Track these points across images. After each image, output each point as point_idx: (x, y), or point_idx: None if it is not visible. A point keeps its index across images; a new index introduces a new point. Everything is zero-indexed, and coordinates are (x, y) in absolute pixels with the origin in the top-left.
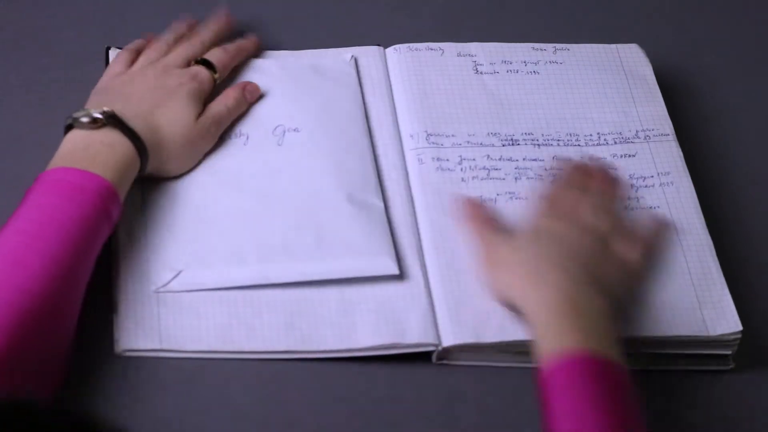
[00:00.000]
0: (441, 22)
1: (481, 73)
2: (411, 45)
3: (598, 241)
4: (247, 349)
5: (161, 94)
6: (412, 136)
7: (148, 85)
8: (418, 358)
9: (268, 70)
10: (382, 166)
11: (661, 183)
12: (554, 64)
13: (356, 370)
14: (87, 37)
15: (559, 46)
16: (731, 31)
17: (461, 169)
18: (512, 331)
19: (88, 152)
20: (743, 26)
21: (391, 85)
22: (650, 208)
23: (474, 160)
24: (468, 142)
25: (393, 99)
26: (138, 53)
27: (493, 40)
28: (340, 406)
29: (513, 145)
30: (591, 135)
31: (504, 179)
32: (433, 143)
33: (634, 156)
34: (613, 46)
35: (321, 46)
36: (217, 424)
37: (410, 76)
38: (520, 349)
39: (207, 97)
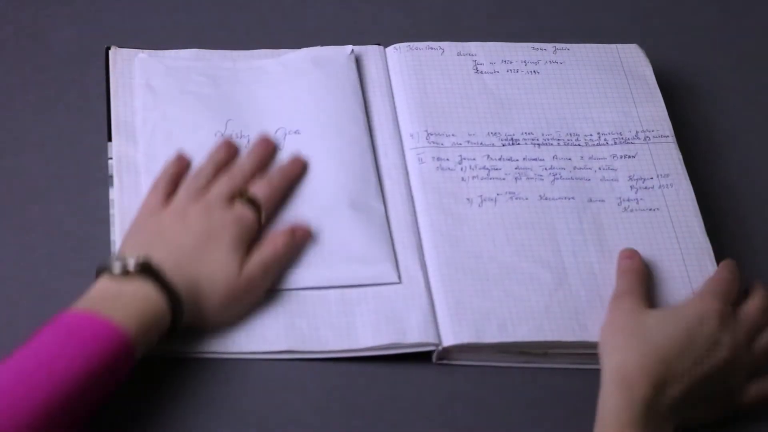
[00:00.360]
0: (441, 22)
1: (481, 72)
2: (411, 44)
3: (728, 371)
4: (247, 350)
5: (203, 239)
6: (412, 135)
7: (188, 228)
8: (418, 358)
9: (268, 69)
10: (383, 166)
11: (661, 185)
12: (554, 64)
13: (356, 370)
14: (87, 37)
15: (559, 46)
16: (731, 31)
17: (461, 169)
18: (512, 331)
19: (117, 302)
20: (743, 26)
21: (391, 85)
22: (650, 210)
23: (474, 159)
24: (468, 141)
25: (393, 98)
26: (173, 182)
27: (493, 40)
28: (340, 406)
29: (513, 144)
30: (591, 135)
31: (504, 179)
32: (433, 143)
33: (634, 157)
34: (613, 46)
35: (321, 44)
36: (217, 424)
37: (410, 75)
38: (520, 349)
39: (252, 239)
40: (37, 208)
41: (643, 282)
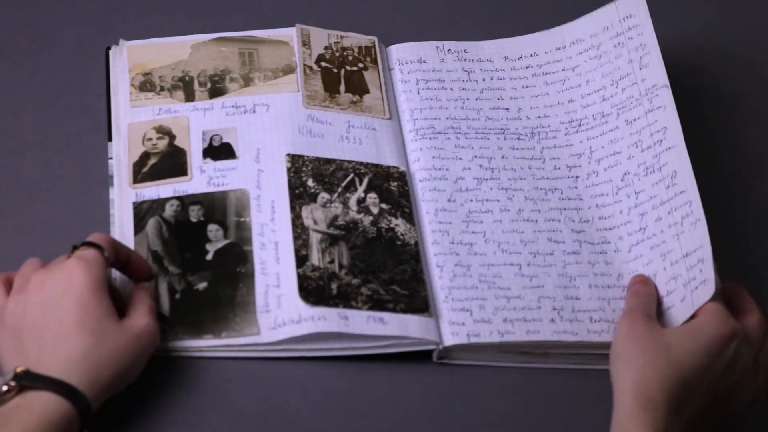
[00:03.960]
0: (442, 20)
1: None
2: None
3: (736, 391)
4: (247, 348)
5: (49, 305)
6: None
7: (33, 305)
8: (419, 357)
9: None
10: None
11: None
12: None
13: (356, 370)
14: (87, 37)
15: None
16: (732, 31)
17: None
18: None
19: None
20: (743, 26)
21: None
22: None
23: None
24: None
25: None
26: (9, 282)
27: (493, 37)
28: (340, 405)
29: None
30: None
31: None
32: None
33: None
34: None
35: None
36: (217, 424)
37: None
38: (520, 349)
39: (104, 275)
40: (37, 208)
41: (654, 306)
